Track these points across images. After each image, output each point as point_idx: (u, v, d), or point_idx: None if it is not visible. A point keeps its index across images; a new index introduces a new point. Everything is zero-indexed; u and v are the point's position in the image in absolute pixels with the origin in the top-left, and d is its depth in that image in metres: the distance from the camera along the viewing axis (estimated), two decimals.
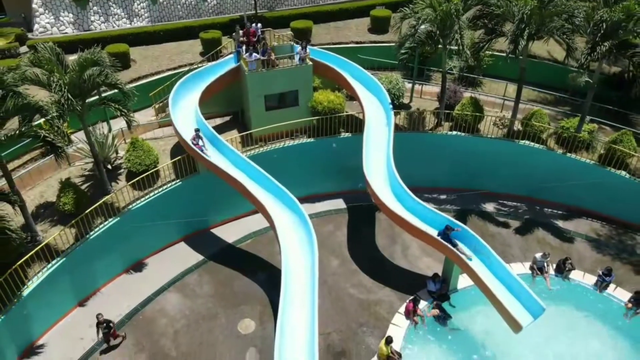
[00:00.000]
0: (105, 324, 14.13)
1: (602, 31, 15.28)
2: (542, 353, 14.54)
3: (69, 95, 13.04)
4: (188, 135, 16.73)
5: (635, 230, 18.45)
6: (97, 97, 16.52)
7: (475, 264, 14.55)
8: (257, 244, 18.57)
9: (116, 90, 15.41)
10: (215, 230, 19.18)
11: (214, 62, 19.86)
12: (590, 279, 16.38)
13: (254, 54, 17.92)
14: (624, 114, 20.43)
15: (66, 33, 24.14)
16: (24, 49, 22.73)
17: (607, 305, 15.70)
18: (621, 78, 21.39)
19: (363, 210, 19.96)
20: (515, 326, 13.37)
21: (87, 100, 14.56)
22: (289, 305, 13.56)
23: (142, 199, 16.91)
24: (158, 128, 20.34)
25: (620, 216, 18.72)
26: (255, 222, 19.14)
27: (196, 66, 20.83)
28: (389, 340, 13.99)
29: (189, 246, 18.45)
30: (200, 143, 16.51)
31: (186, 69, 21.31)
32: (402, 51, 17.58)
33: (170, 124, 20.18)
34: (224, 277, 17.20)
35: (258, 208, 16.02)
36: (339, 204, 20.40)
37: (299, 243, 14.96)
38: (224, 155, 16.97)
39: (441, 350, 14.73)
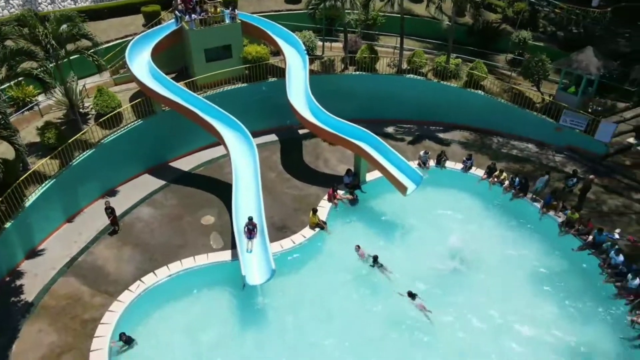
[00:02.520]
0: (110, 210, 18.38)
1: None
2: (427, 216, 20.30)
3: (53, 42, 16.89)
4: (144, 78, 20.96)
5: (491, 135, 24.94)
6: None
7: (374, 153, 20.08)
8: (209, 170, 23.01)
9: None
10: (172, 163, 23.37)
11: (158, 26, 24.01)
12: (459, 166, 22.48)
13: (193, 15, 22.35)
14: (481, 52, 27.13)
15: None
16: None
17: (469, 180, 21.82)
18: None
19: (292, 141, 24.98)
20: (403, 189, 19.03)
21: (64, 50, 18.39)
22: (240, 195, 18.32)
23: (111, 135, 20.86)
24: (114, 86, 24.16)
25: (480, 125, 25.15)
26: (206, 154, 23.74)
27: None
28: (315, 211, 19.18)
29: (152, 176, 22.51)
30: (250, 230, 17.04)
31: (131, 37, 25.20)
32: (310, 6, 22.79)
33: (124, 82, 24.29)
34: (185, 193, 21.52)
35: (211, 131, 20.42)
36: (272, 137, 25.24)
37: (242, 153, 19.71)
38: (181, 97, 21.14)
39: (353, 223, 20.07)
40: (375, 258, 17.55)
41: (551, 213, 19.39)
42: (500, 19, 29.68)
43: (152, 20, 26.46)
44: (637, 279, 15.80)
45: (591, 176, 19.93)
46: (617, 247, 16.96)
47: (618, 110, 24.17)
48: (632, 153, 22.50)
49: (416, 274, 17.56)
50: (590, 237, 17.84)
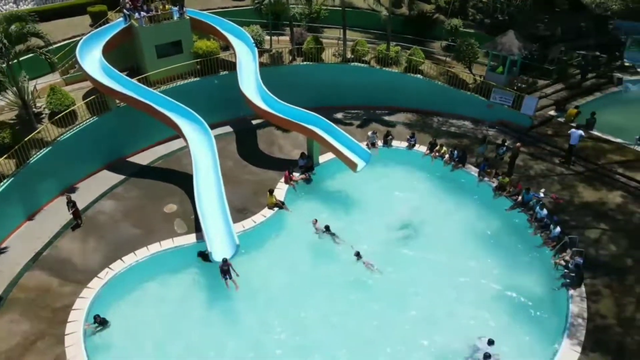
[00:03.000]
0: (72, 203, 18.73)
1: None
2: (377, 189, 21.99)
3: (5, 41, 17.21)
4: (97, 75, 21.42)
5: (431, 115, 27.08)
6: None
7: (326, 136, 21.54)
8: (168, 162, 23.68)
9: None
10: (130, 159, 23.87)
11: (107, 25, 24.41)
12: (404, 144, 24.37)
13: (142, 13, 22.97)
14: (417, 39, 29.31)
15: None
16: None
17: (413, 156, 23.76)
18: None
19: (247, 131, 26.08)
20: (353, 166, 20.61)
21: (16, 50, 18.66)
22: (201, 182, 19.26)
23: (66, 133, 21.18)
24: (65, 86, 24.32)
25: (421, 106, 27.24)
26: (163, 148, 24.41)
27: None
28: (271, 192, 20.40)
29: (111, 171, 22.94)
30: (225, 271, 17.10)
31: (79, 38, 25.41)
32: (256, 2, 23.96)
33: (74, 81, 24.56)
34: (146, 185, 22.13)
35: (169, 124, 21.17)
36: (227, 129, 26.24)
37: (200, 143, 20.64)
38: (137, 92, 21.70)
39: (310, 201, 21.47)
40: (327, 227, 19.07)
41: (486, 179, 21.58)
42: (434, 9, 32.03)
43: (99, 20, 26.73)
44: (558, 228, 18.13)
45: (518, 144, 22.31)
46: (541, 203, 19.29)
47: (540, 86, 26.91)
48: (553, 124, 25.24)
49: (369, 238, 19.18)
50: (520, 198, 20.11)
